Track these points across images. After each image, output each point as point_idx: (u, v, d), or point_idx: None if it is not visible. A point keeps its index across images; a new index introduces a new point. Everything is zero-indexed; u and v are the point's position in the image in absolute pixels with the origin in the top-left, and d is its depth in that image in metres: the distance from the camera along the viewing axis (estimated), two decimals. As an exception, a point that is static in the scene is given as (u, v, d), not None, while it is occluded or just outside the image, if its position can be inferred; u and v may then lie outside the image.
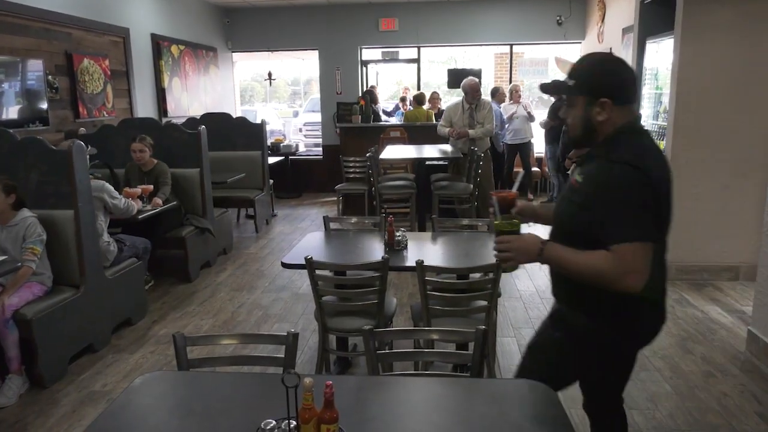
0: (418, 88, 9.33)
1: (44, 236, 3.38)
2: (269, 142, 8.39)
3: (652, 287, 1.64)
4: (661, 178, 1.66)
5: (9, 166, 3.55)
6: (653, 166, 1.64)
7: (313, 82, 17.10)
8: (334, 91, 9.23)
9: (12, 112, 4.62)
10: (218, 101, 8.74)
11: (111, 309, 3.91)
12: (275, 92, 18.82)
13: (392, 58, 9.86)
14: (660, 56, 5.31)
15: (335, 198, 7.75)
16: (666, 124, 4.94)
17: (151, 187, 4.78)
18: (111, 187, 4.14)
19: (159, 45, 7.00)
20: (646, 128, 1.78)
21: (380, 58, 9.86)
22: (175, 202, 4.99)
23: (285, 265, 3.07)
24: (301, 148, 10.07)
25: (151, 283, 4.93)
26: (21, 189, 3.42)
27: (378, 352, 1.97)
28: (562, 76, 8.59)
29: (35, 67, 4.85)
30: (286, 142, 9.28)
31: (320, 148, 9.77)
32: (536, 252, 1.74)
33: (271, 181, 7.49)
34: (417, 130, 7.61)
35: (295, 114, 15.78)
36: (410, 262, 2.97)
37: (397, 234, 3.26)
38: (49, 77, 5.06)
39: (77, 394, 3.26)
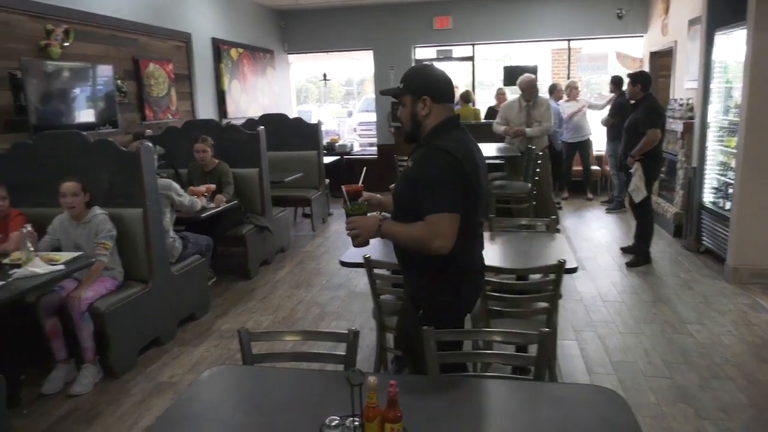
0: (473, 87, 9.22)
1: (114, 232, 3.54)
2: (324, 142, 8.50)
3: (465, 254, 2.06)
4: (471, 165, 2.02)
5: (82, 167, 3.73)
6: (465, 155, 2.01)
7: (366, 82, 17.18)
8: (388, 91, 9.24)
9: (85, 116, 4.85)
10: (275, 102, 8.92)
11: (177, 304, 4.06)
12: (329, 93, 19.04)
13: (446, 57, 9.78)
14: (730, 48, 5.05)
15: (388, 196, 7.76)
16: (738, 119, 4.70)
17: (214, 186, 4.94)
18: (177, 185, 4.30)
19: (219, 49, 7.20)
20: (462, 126, 2.16)
21: (435, 56, 9.81)
22: (236, 201, 5.13)
23: (343, 264, 3.11)
24: (356, 148, 10.15)
25: (213, 279, 5.08)
26: (93, 189, 3.59)
27: (438, 352, 1.95)
28: (623, 71, 8.29)
29: (106, 72, 5.08)
30: (341, 142, 9.38)
31: (375, 148, 9.82)
32: (375, 228, 2.08)
33: (327, 180, 7.59)
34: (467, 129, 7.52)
35: (350, 114, 15.91)
36: (468, 261, 2.94)
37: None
38: (118, 82, 5.29)
39: (146, 384, 3.40)
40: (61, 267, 3.12)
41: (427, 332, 1.94)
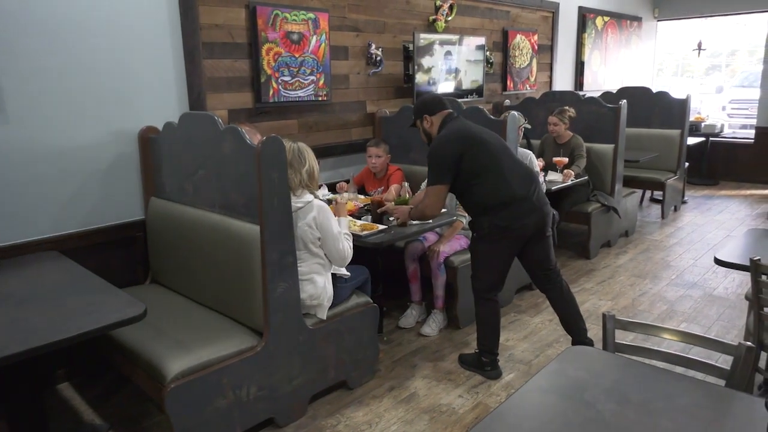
0: None
1: (474, 196, 3.77)
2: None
3: (494, 194, 2.87)
4: (462, 137, 2.88)
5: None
6: (453, 133, 2.90)
7: (738, 54, 14.49)
8: (783, 62, 7.62)
9: (456, 85, 5.25)
10: (635, 75, 8.25)
11: (517, 271, 4.11)
12: (688, 65, 16.72)
13: None
14: None
15: (765, 191, 6.50)
16: None
17: (566, 159, 4.84)
18: (535, 160, 4.34)
19: (585, 17, 6.95)
20: (456, 117, 3.02)
21: None
22: (585, 177, 4.95)
23: (720, 263, 2.69)
24: (726, 130, 8.72)
25: (551, 253, 5.05)
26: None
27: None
28: None
29: (477, 43, 5.38)
30: (708, 122, 8.17)
31: (751, 131, 8.29)
32: (408, 212, 3.16)
33: (686, 164, 6.73)
34: None
35: (719, 90, 13.75)
36: None
37: None
38: (487, 53, 5.57)
39: (484, 341, 3.60)
40: (429, 221, 3.47)
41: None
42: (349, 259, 2.86)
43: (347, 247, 2.82)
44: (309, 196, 2.78)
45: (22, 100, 2.75)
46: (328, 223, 2.75)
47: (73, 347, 1.92)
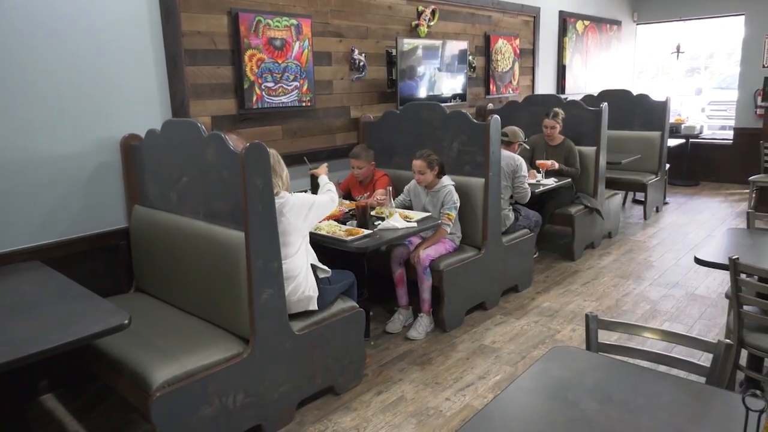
0: None
1: (458, 203, 3.79)
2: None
3: None
4: None
5: (438, 136, 4.09)
6: None
7: (716, 56, 14.77)
8: (759, 64, 7.76)
9: (439, 89, 5.28)
10: (615, 78, 8.36)
11: (503, 273, 4.19)
12: (667, 67, 16.97)
13: None
14: None
15: (744, 191, 6.61)
16: None
17: (548, 163, 4.90)
18: (524, 166, 4.38)
19: (565, 22, 7.03)
20: None
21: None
22: (568, 180, 5.00)
23: (700, 262, 2.73)
24: (705, 131, 8.87)
25: (535, 254, 5.10)
26: (444, 157, 3.90)
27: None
28: None
29: (460, 48, 5.43)
30: (688, 123, 8.30)
31: (730, 132, 8.43)
32: None
33: (668, 165, 6.83)
34: None
35: (698, 92, 13.96)
36: None
37: None
38: (470, 57, 5.61)
39: (471, 343, 3.62)
40: (414, 224, 3.49)
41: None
42: (336, 198, 3.17)
43: (325, 196, 3.10)
44: (285, 194, 2.83)
45: (2, 108, 2.72)
46: (304, 199, 2.89)
47: (56, 357, 1.90)
